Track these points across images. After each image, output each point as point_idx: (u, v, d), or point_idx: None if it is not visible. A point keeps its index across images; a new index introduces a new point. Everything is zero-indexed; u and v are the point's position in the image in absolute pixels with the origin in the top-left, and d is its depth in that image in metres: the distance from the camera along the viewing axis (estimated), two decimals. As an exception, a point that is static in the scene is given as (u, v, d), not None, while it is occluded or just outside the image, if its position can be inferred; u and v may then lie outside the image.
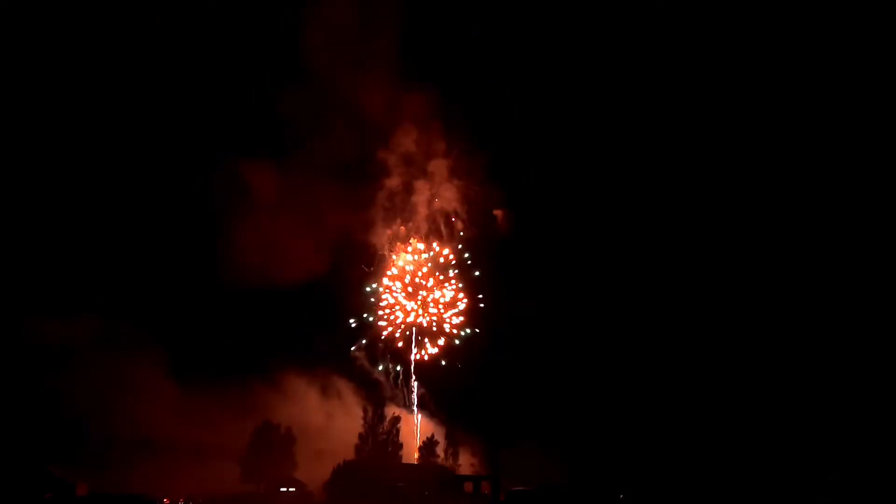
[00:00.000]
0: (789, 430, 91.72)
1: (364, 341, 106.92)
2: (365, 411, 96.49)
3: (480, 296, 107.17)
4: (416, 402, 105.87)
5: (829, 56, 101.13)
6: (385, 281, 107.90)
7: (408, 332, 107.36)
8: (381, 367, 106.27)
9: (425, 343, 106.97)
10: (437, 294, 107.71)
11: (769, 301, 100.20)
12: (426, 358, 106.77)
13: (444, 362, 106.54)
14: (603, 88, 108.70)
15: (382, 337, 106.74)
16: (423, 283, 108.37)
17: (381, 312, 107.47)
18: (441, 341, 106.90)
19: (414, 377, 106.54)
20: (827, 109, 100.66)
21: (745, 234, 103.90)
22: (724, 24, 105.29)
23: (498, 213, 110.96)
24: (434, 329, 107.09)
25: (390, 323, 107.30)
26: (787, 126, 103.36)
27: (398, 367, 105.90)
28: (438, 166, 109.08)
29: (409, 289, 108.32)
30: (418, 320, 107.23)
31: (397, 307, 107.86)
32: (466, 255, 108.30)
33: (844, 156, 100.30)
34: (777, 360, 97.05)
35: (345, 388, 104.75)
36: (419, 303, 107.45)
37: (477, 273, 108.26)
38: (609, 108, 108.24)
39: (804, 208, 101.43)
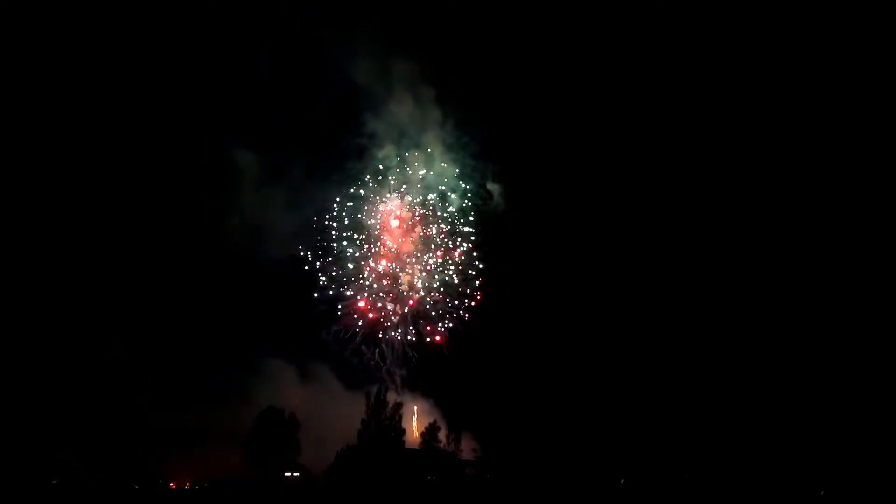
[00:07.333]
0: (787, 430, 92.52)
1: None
2: (368, 397, 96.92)
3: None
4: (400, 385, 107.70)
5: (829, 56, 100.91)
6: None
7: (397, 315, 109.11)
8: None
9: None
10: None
11: (767, 300, 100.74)
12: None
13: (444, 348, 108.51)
14: (598, 69, 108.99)
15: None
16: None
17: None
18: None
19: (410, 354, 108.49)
20: (827, 109, 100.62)
21: (742, 232, 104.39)
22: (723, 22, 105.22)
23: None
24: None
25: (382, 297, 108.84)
26: (786, 126, 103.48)
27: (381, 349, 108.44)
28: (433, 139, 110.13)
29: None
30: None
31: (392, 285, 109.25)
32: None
33: (844, 156, 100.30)
34: (775, 359, 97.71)
35: (343, 374, 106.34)
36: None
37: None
38: (604, 89, 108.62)
39: (804, 208, 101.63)
